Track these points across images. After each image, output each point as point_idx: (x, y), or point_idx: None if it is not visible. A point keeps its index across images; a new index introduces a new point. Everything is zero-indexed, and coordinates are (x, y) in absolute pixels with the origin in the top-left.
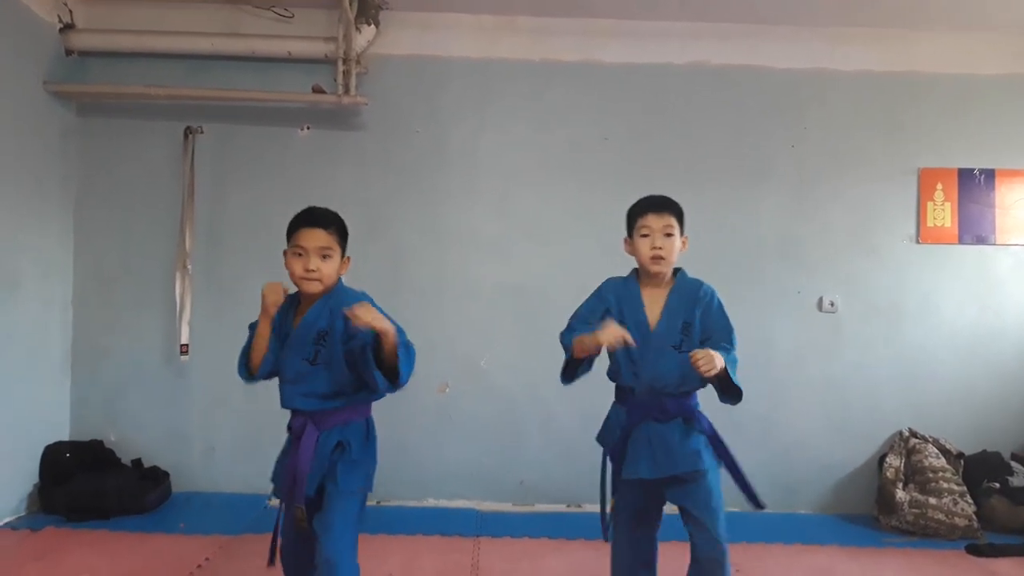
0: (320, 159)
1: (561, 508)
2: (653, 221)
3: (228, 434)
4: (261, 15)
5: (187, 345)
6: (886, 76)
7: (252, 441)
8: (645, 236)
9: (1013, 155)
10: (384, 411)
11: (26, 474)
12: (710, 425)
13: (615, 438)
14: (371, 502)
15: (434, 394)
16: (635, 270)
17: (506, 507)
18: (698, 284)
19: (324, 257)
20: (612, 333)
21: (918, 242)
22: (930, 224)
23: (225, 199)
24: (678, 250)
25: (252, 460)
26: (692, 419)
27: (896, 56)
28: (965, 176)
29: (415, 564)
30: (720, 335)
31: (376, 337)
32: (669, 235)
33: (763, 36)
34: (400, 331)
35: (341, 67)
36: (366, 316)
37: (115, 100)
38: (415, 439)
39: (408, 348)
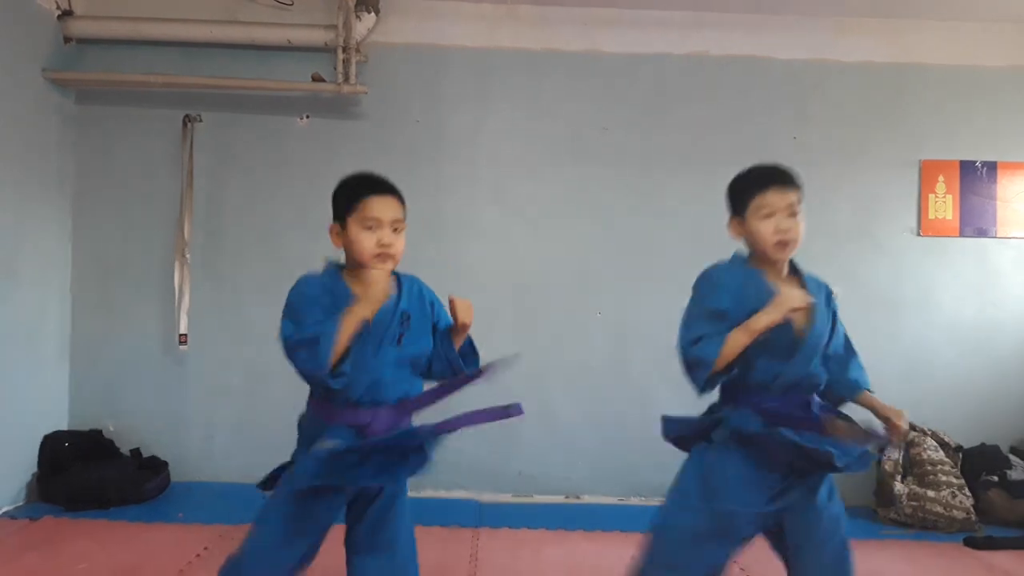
0: (319, 148)
1: (560, 499)
2: (776, 198)
3: (227, 423)
4: (260, 2)
5: (186, 335)
6: (888, 67)
7: (251, 431)
8: (768, 216)
9: (1015, 147)
10: None
11: (25, 464)
12: None
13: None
14: None
15: (432, 384)
16: (739, 257)
17: (505, 498)
18: (819, 281)
19: (396, 231)
20: (792, 298)
21: (919, 234)
22: (931, 216)
23: (224, 188)
24: (802, 234)
25: (251, 450)
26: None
27: (898, 47)
28: (967, 168)
29: None
30: (848, 350)
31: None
32: (794, 215)
33: (764, 26)
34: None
35: (341, 55)
36: (468, 316)
37: (114, 88)
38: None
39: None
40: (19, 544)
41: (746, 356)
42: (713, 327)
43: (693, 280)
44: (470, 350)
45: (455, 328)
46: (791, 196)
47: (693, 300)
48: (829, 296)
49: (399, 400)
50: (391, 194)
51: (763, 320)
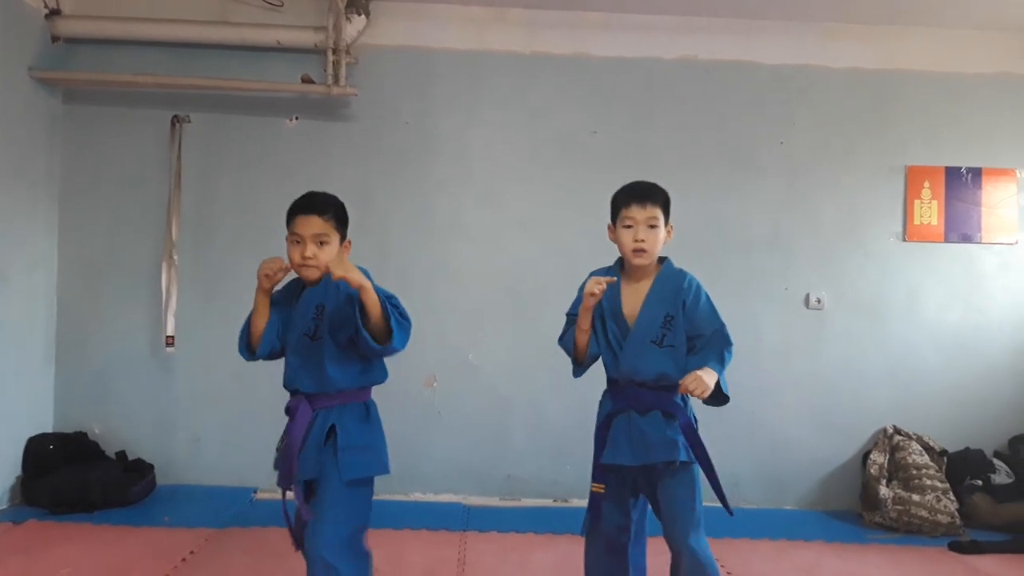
0: (309, 150)
1: (548, 503)
2: (636, 212)
3: (213, 426)
4: (250, 4)
5: (173, 337)
6: (875, 73)
7: (238, 433)
8: (628, 227)
9: (1000, 154)
10: None
11: (9, 466)
12: (690, 421)
13: (598, 424)
14: None
15: (421, 388)
16: (619, 259)
17: (493, 501)
18: (682, 275)
19: (321, 244)
20: (588, 288)
21: (904, 240)
22: (917, 222)
23: (212, 189)
24: (662, 240)
25: (238, 453)
26: (672, 412)
27: (885, 53)
28: (952, 174)
29: (402, 558)
30: (709, 333)
31: (362, 302)
32: (653, 227)
33: (752, 31)
34: (391, 297)
35: (331, 57)
36: (338, 269)
37: (102, 88)
38: (402, 433)
39: (400, 313)
40: (3, 548)
41: (597, 352)
42: (571, 322)
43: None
44: (395, 321)
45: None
46: (651, 211)
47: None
48: (698, 292)
49: (314, 393)
50: (315, 213)
51: (580, 321)
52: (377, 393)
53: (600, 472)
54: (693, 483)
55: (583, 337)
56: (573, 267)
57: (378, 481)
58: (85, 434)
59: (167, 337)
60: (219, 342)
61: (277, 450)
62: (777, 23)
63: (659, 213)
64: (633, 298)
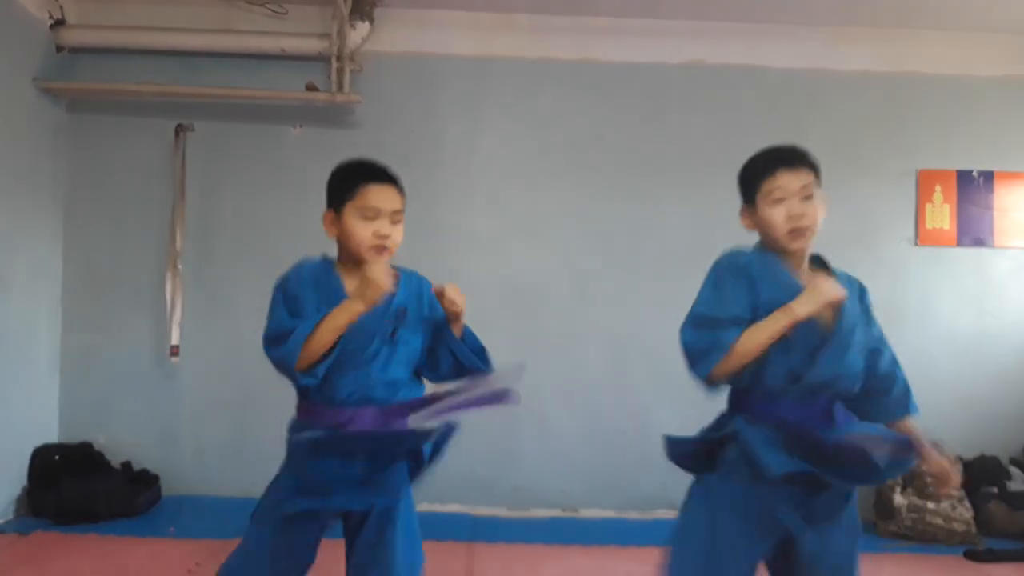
0: (313, 158)
1: (557, 513)
2: (788, 180)
3: (219, 437)
4: (254, 11)
5: (177, 346)
6: (885, 76)
7: (243, 444)
8: (779, 201)
9: (1012, 157)
10: None
11: (14, 477)
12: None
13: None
14: None
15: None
16: (759, 248)
17: (501, 512)
18: (851, 278)
19: (395, 223)
20: (827, 288)
21: (916, 244)
22: (928, 226)
23: (217, 198)
24: (820, 219)
25: (243, 463)
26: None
27: (895, 56)
28: (964, 178)
29: None
30: (877, 356)
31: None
32: (809, 198)
33: (760, 35)
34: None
35: (335, 65)
36: (458, 297)
37: (106, 97)
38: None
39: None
40: (9, 559)
41: (761, 355)
42: (727, 315)
43: (690, 292)
44: (477, 348)
45: (448, 319)
46: (804, 177)
47: (701, 293)
48: (863, 293)
49: (390, 402)
50: (391, 183)
51: (796, 311)
52: None
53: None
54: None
55: (766, 336)
56: (579, 273)
57: None
58: (90, 445)
59: (172, 347)
60: (224, 352)
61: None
62: (786, 27)
63: (814, 181)
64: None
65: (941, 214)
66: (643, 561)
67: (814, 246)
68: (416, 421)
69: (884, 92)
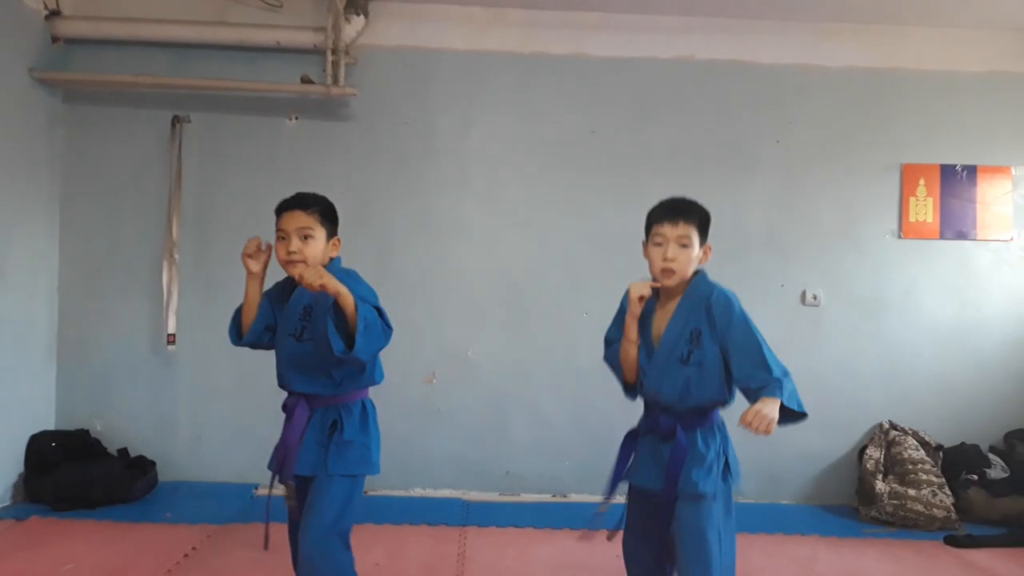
0: (308, 149)
1: (547, 498)
2: (668, 230)
3: (215, 423)
4: (250, 4)
5: (174, 334)
6: (870, 72)
7: (239, 430)
8: (658, 245)
9: (995, 151)
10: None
11: (11, 464)
12: (721, 450)
13: (628, 442)
14: None
15: (421, 385)
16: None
17: (492, 497)
18: (710, 288)
19: (305, 238)
20: (634, 292)
21: (900, 237)
22: (912, 219)
23: (212, 189)
24: (696, 260)
25: (239, 449)
26: (696, 440)
27: (881, 52)
28: (947, 172)
29: (401, 554)
30: (744, 354)
31: (338, 305)
32: (684, 246)
33: (749, 31)
34: (376, 307)
35: (330, 57)
36: (314, 279)
37: (102, 88)
38: (402, 429)
39: (368, 322)
40: (6, 545)
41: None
42: (615, 334)
43: None
44: (360, 331)
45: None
46: (683, 229)
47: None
48: (709, 303)
49: (306, 390)
50: (298, 208)
51: (628, 325)
52: (376, 390)
53: (631, 493)
54: (713, 519)
55: (632, 349)
56: (571, 265)
57: (377, 477)
58: (87, 431)
59: (168, 335)
60: (220, 340)
61: (275, 447)
62: (774, 23)
63: (692, 232)
64: (661, 318)
65: (925, 207)
66: None
67: (803, 234)
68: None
69: (870, 87)
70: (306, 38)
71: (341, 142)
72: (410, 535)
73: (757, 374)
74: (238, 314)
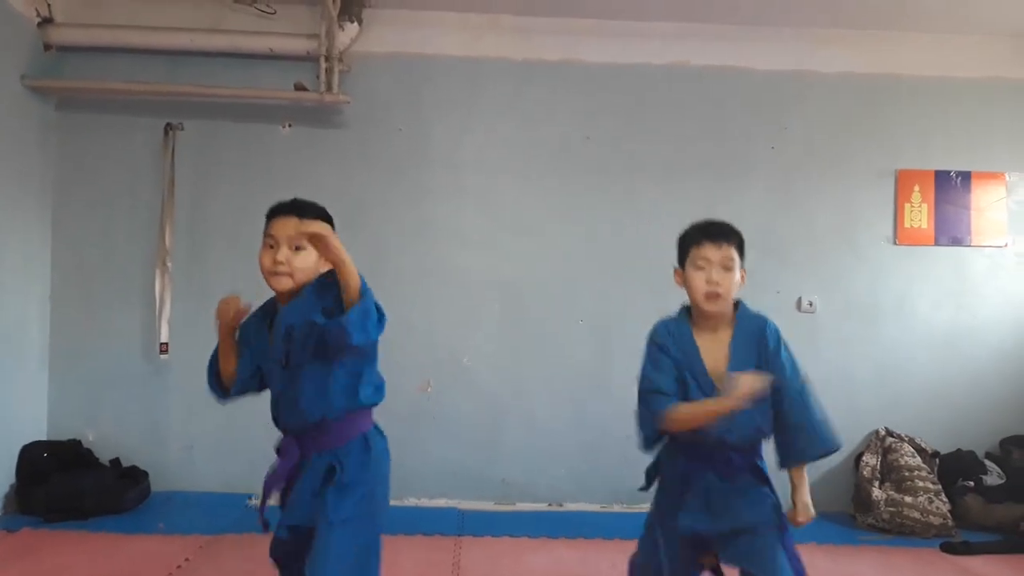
0: (302, 157)
1: (543, 507)
2: (711, 252)
3: (208, 433)
4: (243, 11)
5: (167, 344)
6: (865, 78)
7: (232, 440)
8: (701, 269)
9: (989, 157)
10: None
11: (3, 474)
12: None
13: (671, 487)
14: None
15: (416, 392)
16: (685, 307)
17: (488, 506)
18: (763, 320)
19: (297, 249)
20: (748, 385)
21: (895, 243)
22: (907, 225)
23: (206, 196)
24: (737, 285)
25: (232, 459)
26: (760, 474)
27: (875, 58)
28: (942, 178)
29: (396, 563)
30: (793, 395)
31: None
32: (728, 269)
33: (744, 37)
34: (367, 294)
35: (324, 64)
36: (316, 227)
37: (95, 96)
38: (396, 437)
39: (366, 309)
40: None
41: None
42: (662, 391)
43: (673, 290)
44: (358, 308)
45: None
46: (727, 251)
47: (646, 356)
48: (770, 337)
49: (298, 425)
50: (293, 214)
51: (721, 406)
52: None
53: (667, 542)
54: (786, 548)
55: (705, 418)
56: (566, 272)
57: None
58: (79, 442)
59: (161, 344)
60: (212, 349)
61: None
62: (769, 29)
63: (735, 254)
64: (714, 351)
65: (919, 213)
66: (627, 553)
67: (798, 240)
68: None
69: (864, 93)
70: (300, 45)
71: (335, 149)
72: (404, 545)
73: (808, 450)
74: (215, 363)
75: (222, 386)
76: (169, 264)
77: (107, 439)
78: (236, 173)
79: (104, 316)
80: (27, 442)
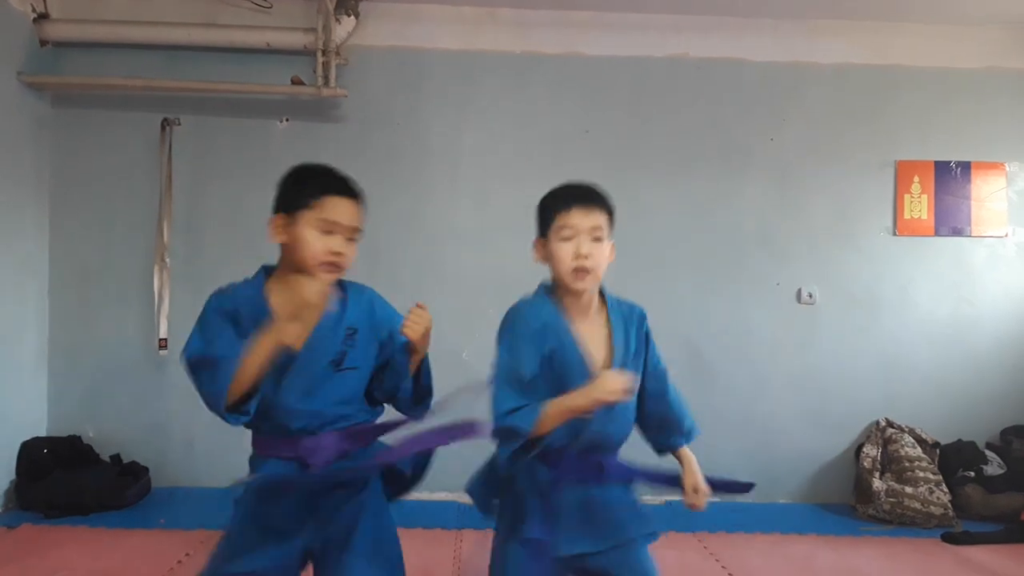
0: (299, 151)
1: None
2: (579, 219)
3: (208, 428)
4: (239, 5)
5: (166, 339)
6: (864, 69)
7: (232, 435)
8: (566, 239)
9: (989, 148)
10: None
11: (3, 471)
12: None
13: (529, 504)
14: None
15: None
16: (544, 286)
17: None
18: (631, 306)
19: (350, 240)
20: (615, 383)
21: (895, 234)
22: (907, 216)
23: (203, 192)
24: (607, 261)
25: (232, 454)
26: (625, 475)
27: (874, 49)
28: (942, 169)
29: None
30: (659, 381)
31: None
32: (598, 239)
33: (743, 29)
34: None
35: (320, 59)
36: (418, 322)
37: (91, 91)
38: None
39: (430, 370)
40: None
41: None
42: (521, 388)
43: (673, 282)
44: (424, 391)
45: (408, 348)
46: (597, 218)
47: (499, 354)
48: (641, 323)
49: (344, 429)
50: (354, 198)
51: (575, 403)
52: None
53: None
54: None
55: (557, 421)
56: None
57: None
58: (79, 438)
59: (160, 340)
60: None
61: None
62: (767, 21)
63: (605, 223)
64: (590, 337)
65: (919, 204)
66: None
67: (797, 232)
68: (380, 454)
69: (863, 84)
70: (296, 39)
71: (332, 143)
72: (405, 539)
73: (673, 439)
74: (225, 379)
75: (237, 405)
76: (167, 259)
77: (107, 435)
78: (233, 168)
79: (103, 312)
80: (27, 438)
